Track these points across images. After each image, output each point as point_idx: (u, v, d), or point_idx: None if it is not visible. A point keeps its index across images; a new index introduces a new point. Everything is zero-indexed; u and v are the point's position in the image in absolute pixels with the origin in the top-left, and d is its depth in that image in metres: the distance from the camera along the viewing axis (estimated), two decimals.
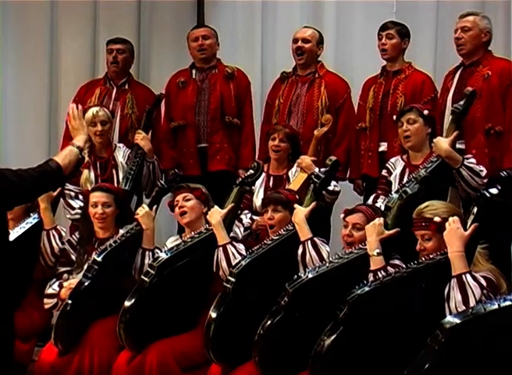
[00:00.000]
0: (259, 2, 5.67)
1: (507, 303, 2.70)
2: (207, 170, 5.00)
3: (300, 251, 3.70)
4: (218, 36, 5.14)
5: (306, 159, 4.41)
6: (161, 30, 5.78)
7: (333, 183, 4.27)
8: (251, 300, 3.61)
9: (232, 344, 3.58)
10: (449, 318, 2.75)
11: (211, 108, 5.01)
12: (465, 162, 3.88)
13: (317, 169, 4.03)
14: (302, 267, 3.65)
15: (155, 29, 5.79)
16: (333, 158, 4.01)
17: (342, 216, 3.72)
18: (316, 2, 5.62)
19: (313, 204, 3.82)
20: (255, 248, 3.71)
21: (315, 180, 3.90)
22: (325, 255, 3.66)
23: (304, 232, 3.72)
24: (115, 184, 4.61)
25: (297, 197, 3.96)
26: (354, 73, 5.30)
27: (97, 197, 4.17)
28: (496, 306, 2.70)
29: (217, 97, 5.01)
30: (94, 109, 4.70)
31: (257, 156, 4.92)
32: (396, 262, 3.43)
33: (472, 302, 2.94)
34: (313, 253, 3.65)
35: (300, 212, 3.77)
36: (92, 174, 4.66)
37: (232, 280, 3.61)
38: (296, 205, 3.84)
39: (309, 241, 3.70)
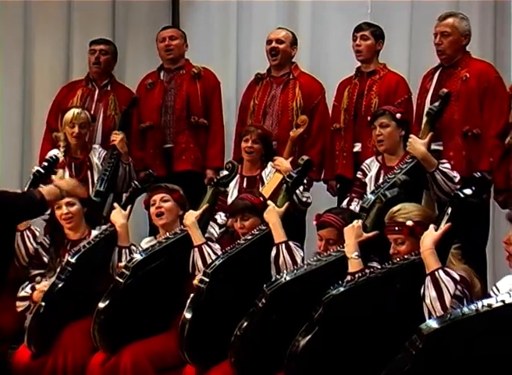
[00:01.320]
0: (234, 3, 5.67)
1: (485, 309, 2.68)
2: (172, 171, 4.98)
3: (273, 253, 3.69)
4: (186, 37, 5.13)
5: (284, 163, 4.40)
6: (135, 30, 5.75)
7: (307, 194, 4.30)
8: (225, 300, 3.60)
9: (206, 345, 3.57)
10: (427, 323, 2.73)
11: (177, 109, 5.01)
12: (440, 167, 3.90)
13: None
14: (275, 269, 3.65)
15: (130, 29, 5.76)
16: (305, 157, 4.01)
17: (314, 222, 3.71)
18: (291, 3, 5.63)
19: (286, 204, 3.82)
20: (228, 248, 3.71)
21: (288, 179, 3.90)
22: (298, 260, 3.65)
23: (279, 234, 3.71)
24: (90, 185, 4.60)
25: (261, 199, 3.94)
26: (329, 73, 5.31)
27: None
28: (474, 311, 2.69)
29: (183, 97, 5.00)
30: (75, 111, 4.69)
31: (231, 157, 4.91)
32: (375, 264, 3.43)
33: (447, 297, 2.95)
34: (287, 257, 3.65)
35: (275, 213, 3.76)
36: (67, 175, 4.64)
37: (206, 280, 3.60)
38: (269, 202, 3.84)
39: (283, 244, 3.69)
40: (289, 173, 3.95)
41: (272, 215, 3.76)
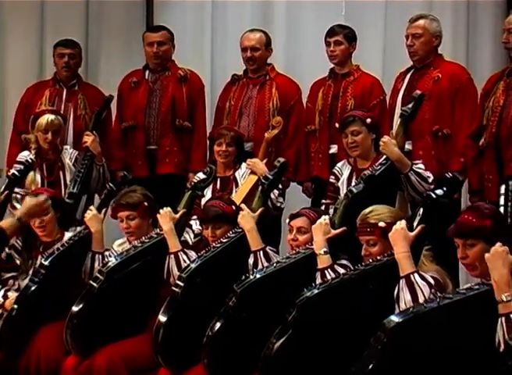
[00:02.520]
0: (209, 2, 5.66)
1: (447, 301, 2.72)
2: (155, 173, 4.97)
3: (251, 260, 3.68)
4: (174, 38, 5.10)
5: (259, 165, 4.39)
6: (109, 30, 5.72)
7: (280, 199, 4.29)
8: (201, 303, 3.58)
9: (181, 348, 3.56)
10: (390, 317, 2.76)
11: (162, 111, 4.99)
12: (414, 167, 3.91)
13: None
14: None
15: (103, 29, 5.73)
16: (281, 159, 4.01)
17: (287, 221, 3.71)
18: (266, 4, 5.63)
19: (261, 209, 3.81)
20: (204, 251, 3.69)
21: (264, 181, 3.89)
22: None
23: (256, 241, 3.70)
24: (62, 186, 4.57)
25: (233, 207, 3.90)
26: (304, 74, 5.32)
27: None
28: (436, 304, 2.72)
29: (168, 99, 4.99)
30: (49, 117, 4.66)
31: (207, 160, 4.90)
32: (344, 261, 3.44)
33: (422, 301, 2.94)
34: (265, 264, 3.63)
35: (250, 219, 3.74)
36: (38, 176, 4.62)
37: (181, 284, 3.58)
38: (243, 206, 3.83)
39: (261, 252, 3.68)
40: (265, 175, 3.94)
41: (247, 220, 3.74)
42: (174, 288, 3.60)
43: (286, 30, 5.56)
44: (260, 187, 3.91)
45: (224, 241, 3.73)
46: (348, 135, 4.13)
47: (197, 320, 3.51)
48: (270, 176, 3.90)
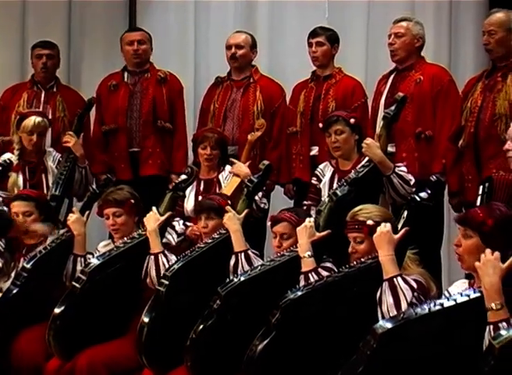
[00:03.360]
0: (192, 2, 5.64)
1: (437, 308, 2.72)
2: (139, 175, 4.96)
3: (232, 261, 3.68)
4: (152, 40, 5.10)
5: (242, 167, 4.39)
6: (92, 30, 5.69)
7: (264, 200, 4.30)
8: (185, 304, 3.57)
9: (165, 349, 3.55)
10: (380, 323, 2.75)
11: (144, 113, 4.98)
12: (396, 170, 3.92)
13: None
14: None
15: (86, 30, 5.70)
16: (266, 162, 4.01)
17: (269, 224, 3.71)
18: (249, 6, 5.63)
19: (246, 211, 3.82)
20: (188, 251, 3.68)
21: (248, 184, 3.90)
22: None
23: (239, 243, 3.70)
24: (45, 189, 4.55)
25: (229, 202, 3.93)
26: (287, 77, 5.33)
27: (17, 206, 4.11)
28: (427, 311, 2.72)
29: (149, 101, 4.98)
30: (36, 119, 4.63)
31: (190, 161, 4.89)
32: (328, 264, 3.44)
33: (404, 305, 2.95)
34: (246, 266, 3.63)
35: (236, 220, 3.75)
36: (20, 178, 4.59)
37: (166, 282, 3.57)
38: (228, 208, 3.83)
39: (242, 254, 3.68)
40: (249, 178, 3.94)
41: (233, 222, 3.74)
42: (158, 287, 3.59)
43: (268, 32, 5.57)
44: (245, 190, 3.91)
45: (208, 241, 3.72)
46: (331, 134, 4.14)
47: (182, 320, 3.50)
48: (255, 179, 3.90)
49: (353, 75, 4.88)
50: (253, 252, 3.74)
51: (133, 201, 4.01)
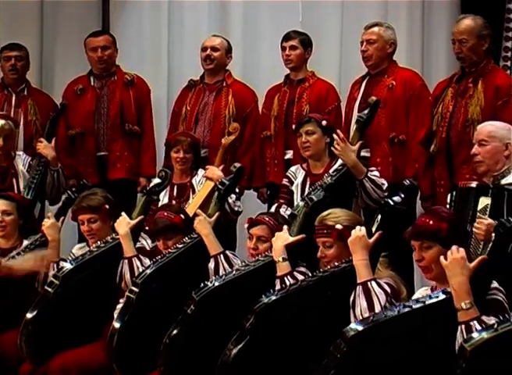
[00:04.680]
0: (165, 2, 5.63)
1: (407, 310, 2.74)
2: (107, 178, 4.93)
3: (212, 265, 3.67)
4: (116, 42, 5.07)
5: (216, 171, 4.39)
6: (64, 31, 5.64)
7: (238, 203, 4.30)
8: (157, 309, 3.56)
9: (136, 355, 3.53)
10: (351, 326, 2.77)
11: (111, 116, 4.97)
12: (369, 174, 3.94)
13: None
14: None
15: (58, 30, 5.65)
16: (238, 165, 4.01)
17: (246, 226, 3.72)
18: (222, 10, 5.63)
19: (217, 214, 3.81)
20: (158, 257, 3.67)
21: (220, 187, 3.89)
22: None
23: (214, 245, 3.70)
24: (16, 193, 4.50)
25: (182, 216, 3.87)
26: (260, 81, 5.34)
27: None
28: (396, 313, 2.74)
29: (116, 104, 4.97)
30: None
31: (161, 165, 4.87)
32: (302, 269, 3.45)
33: (378, 309, 2.96)
34: (226, 267, 3.64)
35: (207, 224, 3.74)
36: None
37: (136, 290, 3.56)
38: (199, 212, 3.82)
39: (222, 255, 3.68)
40: (221, 181, 3.94)
41: (204, 226, 3.74)
42: (128, 294, 3.58)
43: (242, 36, 5.56)
44: (216, 193, 3.91)
45: (180, 246, 3.71)
46: (302, 134, 4.16)
47: (153, 327, 3.49)
48: (226, 182, 3.90)
49: (327, 78, 4.91)
50: (231, 253, 3.75)
51: (107, 206, 3.99)
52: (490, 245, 2.73)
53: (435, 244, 2.85)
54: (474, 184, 3.49)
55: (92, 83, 5.04)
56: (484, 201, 3.41)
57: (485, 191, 3.43)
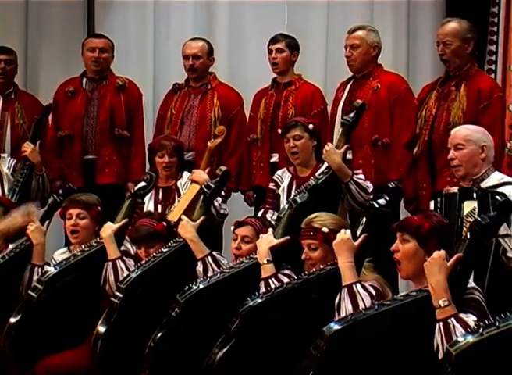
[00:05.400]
0: (151, 2, 5.62)
1: (385, 308, 2.75)
2: (94, 183, 4.91)
3: (200, 268, 3.66)
4: (114, 48, 5.07)
5: (201, 175, 4.38)
6: (49, 31, 5.61)
7: (224, 206, 4.29)
8: (141, 313, 3.55)
9: (120, 359, 3.52)
10: (329, 325, 2.77)
11: (101, 120, 4.95)
12: (354, 177, 3.95)
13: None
14: None
15: (44, 30, 5.62)
16: (223, 168, 4.01)
17: (232, 228, 3.71)
18: (208, 12, 5.62)
19: (202, 218, 3.80)
20: (143, 261, 3.66)
21: (206, 190, 3.89)
22: None
23: (200, 248, 3.69)
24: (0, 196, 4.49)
25: (164, 223, 3.87)
26: (246, 84, 5.34)
27: None
28: (374, 311, 2.75)
29: (107, 108, 4.95)
30: None
31: (147, 168, 4.86)
32: (287, 271, 3.44)
33: None
34: (215, 268, 3.62)
35: (191, 228, 3.73)
36: None
37: (120, 295, 3.55)
38: (183, 217, 3.81)
39: (209, 257, 3.67)
40: (207, 184, 3.93)
41: (187, 230, 3.72)
42: (113, 299, 3.56)
43: (228, 39, 5.57)
44: (202, 196, 3.90)
45: (164, 250, 3.69)
46: (290, 140, 4.15)
47: (137, 331, 3.48)
48: (212, 185, 3.89)
49: (313, 81, 4.91)
50: (217, 253, 3.75)
51: (99, 208, 4.00)
52: (466, 243, 2.74)
53: (412, 239, 2.89)
54: (456, 189, 3.51)
55: (84, 86, 5.02)
56: (469, 205, 3.43)
57: (468, 194, 3.44)
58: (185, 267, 3.69)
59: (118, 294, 3.56)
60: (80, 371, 3.67)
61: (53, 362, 3.67)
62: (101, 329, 3.53)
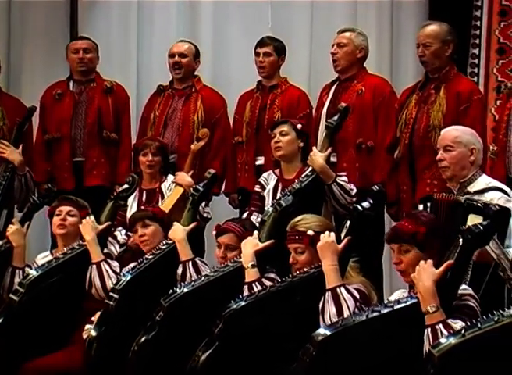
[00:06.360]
0: (135, 2, 5.61)
1: (375, 314, 2.75)
2: (82, 185, 4.90)
3: (180, 270, 3.67)
4: (98, 50, 5.05)
5: (185, 177, 4.38)
6: (32, 31, 5.58)
7: (207, 209, 4.30)
8: (136, 316, 3.52)
9: (113, 362, 3.49)
10: (319, 330, 2.77)
11: (89, 123, 4.93)
12: (337, 179, 3.95)
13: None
14: None
15: (26, 30, 5.58)
16: (212, 171, 4.01)
17: (214, 232, 3.71)
18: (192, 15, 5.62)
19: (194, 223, 3.81)
20: (136, 263, 3.65)
21: (194, 193, 3.88)
22: None
23: (185, 252, 3.70)
24: None
25: (163, 210, 3.91)
26: (230, 86, 5.33)
27: None
28: (365, 317, 2.75)
29: (95, 111, 4.93)
30: None
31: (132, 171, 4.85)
32: (272, 275, 3.44)
33: (346, 314, 2.96)
34: (193, 274, 3.63)
35: (181, 230, 3.73)
36: None
37: (115, 296, 3.53)
38: (175, 223, 3.81)
39: (190, 262, 3.68)
40: (195, 187, 3.93)
41: (178, 232, 3.74)
42: (107, 301, 3.55)
43: (212, 38, 5.56)
44: (190, 199, 3.90)
45: (156, 252, 3.70)
46: (276, 135, 4.16)
47: (131, 334, 3.44)
48: (200, 188, 3.90)
49: (297, 81, 4.91)
50: (200, 260, 3.74)
51: (89, 211, 4.00)
52: (458, 250, 2.74)
53: (412, 248, 2.89)
54: (462, 199, 3.37)
55: (71, 89, 5.00)
56: (473, 220, 3.33)
57: (474, 209, 3.26)
58: (175, 270, 3.69)
59: (113, 295, 3.53)
60: (68, 373, 3.65)
61: (40, 364, 3.64)
62: (96, 331, 3.51)
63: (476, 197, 3.38)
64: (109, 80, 5.01)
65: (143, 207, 4.02)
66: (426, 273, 2.70)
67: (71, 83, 5.01)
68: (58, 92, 4.97)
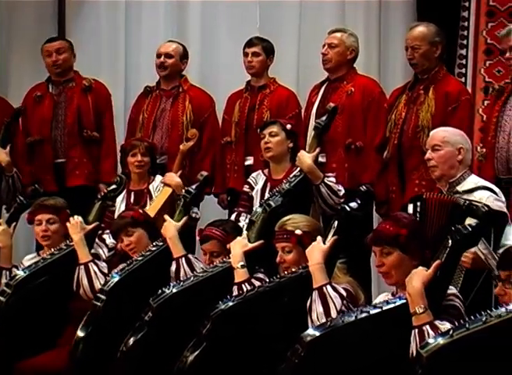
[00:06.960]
0: (122, 2, 5.59)
1: (364, 315, 2.75)
2: (65, 186, 4.88)
3: (173, 267, 3.66)
4: (73, 47, 5.03)
5: (174, 178, 4.37)
6: (19, 32, 5.56)
7: (195, 209, 4.28)
8: (123, 317, 3.51)
9: (101, 363, 3.49)
10: (308, 331, 2.77)
11: (68, 123, 4.91)
12: (325, 180, 3.95)
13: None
14: None
15: (14, 31, 5.56)
16: (204, 173, 4.04)
17: (198, 238, 3.70)
18: (180, 15, 5.61)
19: (185, 218, 3.80)
20: (125, 264, 3.64)
21: (187, 195, 3.88)
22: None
23: (177, 248, 3.70)
24: None
25: (141, 211, 3.89)
26: (219, 86, 5.33)
27: None
28: (354, 318, 2.75)
29: (74, 111, 4.91)
30: None
31: (119, 168, 4.83)
32: (260, 275, 3.44)
33: (333, 313, 2.96)
34: (187, 270, 3.63)
35: (172, 227, 3.73)
36: None
37: (103, 297, 3.52)
38: (166, 217, 3.81)
39: (183, 258, 3.68)
40: (187, 189, 3.93)
41: (169, 229, 3.73)
42: (95, 302, 3.54)
43: (200, 37, 5.56)
44: (182, 201, 3.89)
45: (146, 253, 3.69)
46: (266, 135, 4.16)
47: (118, 335, 3.43)
48: (193, 191, 3.90)
49: (285, 81, 4.91)
50: (193, 256, 3.74)
51: (68, 211, 3.98)
52: (446, 251, 2.74)
53: (394, 250, 2.88)
54: (462, 202, 3.32)
55: (50, 90, 4.98)
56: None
57: (473, 213, 3.22)
58: (166, 270, 3.68)
59: (101, 296, 3.53)
60: (59, 373, 3.63)
61: (29, 365, 3.64)
62: (83, 332, 3.50)
63: (465, 196, 3.39)
64: (88, 79, 4.98)
65: (120, 214, 3.94)
66: (416, 274, 2.71)
67: (50, 85, 5.00)
68: (38, 94, 4.96)
